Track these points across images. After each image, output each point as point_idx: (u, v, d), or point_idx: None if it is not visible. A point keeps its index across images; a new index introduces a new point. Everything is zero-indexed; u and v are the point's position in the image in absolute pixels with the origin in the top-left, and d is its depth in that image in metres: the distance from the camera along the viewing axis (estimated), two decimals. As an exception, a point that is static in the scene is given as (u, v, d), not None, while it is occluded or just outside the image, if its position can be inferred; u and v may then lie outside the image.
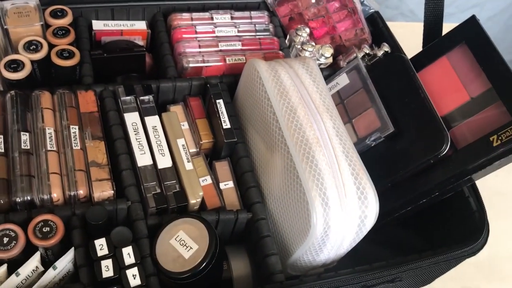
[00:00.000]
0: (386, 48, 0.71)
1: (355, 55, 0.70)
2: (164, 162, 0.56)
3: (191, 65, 0.65)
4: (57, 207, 0.51)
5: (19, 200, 0.50)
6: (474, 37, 0.61)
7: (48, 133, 0.54)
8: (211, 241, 0.49)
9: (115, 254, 0.48)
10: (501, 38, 1.46)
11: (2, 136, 0.53)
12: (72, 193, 0.52)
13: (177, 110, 0.62)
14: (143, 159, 0.55)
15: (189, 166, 0.56)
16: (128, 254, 0.48)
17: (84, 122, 0.56)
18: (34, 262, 0.48)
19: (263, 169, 0.58)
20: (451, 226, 0.65)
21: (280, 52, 0.68)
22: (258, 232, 0.55)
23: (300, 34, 0.69)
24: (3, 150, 0.52)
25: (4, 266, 0.48)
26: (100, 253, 0.48)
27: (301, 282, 0.52)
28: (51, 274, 0.48)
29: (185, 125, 0.61)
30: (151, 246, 0.51)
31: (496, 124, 0.57)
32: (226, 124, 0.60)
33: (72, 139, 0.54)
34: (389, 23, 0.99)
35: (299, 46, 0.68)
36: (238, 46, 0.67)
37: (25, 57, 0.58)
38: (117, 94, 0.60)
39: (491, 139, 0.56)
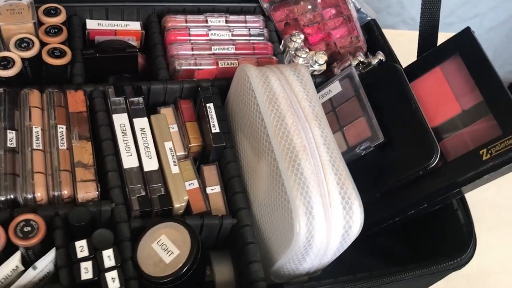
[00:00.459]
0: (381, 56, 0.70)
1: (349, 62, 0.70)
2: (151, 164, 0.56)
3: (183, 67, 0.64)
4: (40, 207, 0.51)
5: (2, 199, 0.50)
6: (468, 49, 0.61)
7: (35, 132, 0.54)
8: (193, 246, 0.49)
9: (95, 256, 0.48)
10: (503, 49, 1.46)
11: (-12, 134, 0.53)
12: (56, 193, 0.52)
13: (167, 112, 0.62)
14: (129, 161, 0.55)
15: (175, 169, 0.56)
16: (108, 256, 0.48)
17: (72, 122, 0.56)
18: (14, 261, 0.48)
19: (250, 174, 0.58)
20: (439, 238, 0.64)
21: (274, 57, 0.68)
22: (242, 239, 0.55)
23: (295, 40, 0.68)
24: (-11, 148, 0.52)
25: (-16, 265, 0.48)
26: (80, 254, 0.47)
27: (283, 291, 0.52)
28: (30, 274, 0.48)
29: (174, 128, 0.61)
30: (132, 249, 0.51)
31: (487, 138, 0.56)
32: (215, 128, 0.60)
33: (59, 138, 0.54)
34: (388, 31, 0.98)
35: (293, 52, 0.68)
36: (231, 50, 0.67)
37: (16, 55, 0.58)
38: (107, 95, 0.59)
39: (480, 152, 0.56)
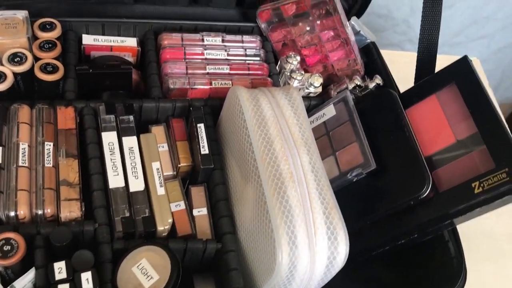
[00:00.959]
0: (378, 80, 0.69)
1: (346, 85, 0.69)
2: (137, 185, 0.55)
3: (176, 86, 0.64)
4: (22, 225, 0.50)
5: (-16, 216, 0.50)
6: (464, 79, 0.60)
7: (22, 149, 0.54)
8: (172, 272, 0.49)
9: (73, 278, 0.47)
10: (511, 70, 1.44)
11: (-24, 149, 0.53)
12: (39, 212, 0.51)
13: (158, 130, 0.62)
14: (115, 181, 0.55)
15: (161, 191, 0.55)
16: (86, 279, 0.47)
17: (60, 139, 0.56)
18: (-8, 280, 0.48)
19: (238, 198, 0.57)
20: (428, 268, 0.63)
21: (269, 78, 0.67)
22: (226, 264, 0.54)
23: (290, 61, 0.68)
24: (-26, 163, 0.52)
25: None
26: (58, 276, 0.47)
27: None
28: (8, 294, 0.47)
29: (164, 147, 0.61)
30: (113, 272, 0.50)
31: (479, 170, 0.55)
32: (205, 149, 0.59)
33: (45, 156, 0.54)
34: (391, 52, 0.98)
35: (288, 74, 0.67)
36: (226, 70, 0.66)
37: (8, 69, 0.58)
38: (97, 112, 0.59)
39: (473, 185, 0.55)
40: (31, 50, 0.61)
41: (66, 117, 0.58)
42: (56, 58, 0.61)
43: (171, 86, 0.64)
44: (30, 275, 0.49)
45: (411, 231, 0.59)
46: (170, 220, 0.54)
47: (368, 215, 0.60)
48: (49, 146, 0.55)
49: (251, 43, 0.70)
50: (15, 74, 0.59)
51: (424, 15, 0.66)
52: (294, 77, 0.67)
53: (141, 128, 0.61)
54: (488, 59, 1.38)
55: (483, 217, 0.57)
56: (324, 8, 0.67)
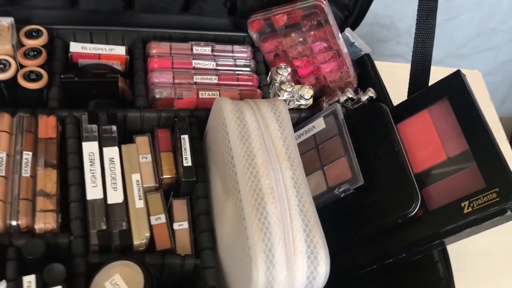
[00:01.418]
0: (371, 93, 0.68)
1: (337, 98, 0.68)
2: (115, 197, 0.54)
3: (163, 96, 0.63)
4: (-6, 236, 0.50)
5: (-43, 226, 0.49)
6: (457, 94, 0.58)
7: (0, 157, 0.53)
8: (145, 289, 0.47)
9: (42, 293, 0.46)
10: (518, 83, 1.41)
11: (-48, 157, 0.52)
12: (13, 223, 0.50)
13: (142, 141, 0.60)
14: (93, 192, 0.54)
15: (139, 204, 0.54)
16: (56, 294, 0.46)
17: (39, 149, 0.55)
18: (-39, 292, 0.47)
19: (219, 213, 0.56)
20: (418, 289, 0.61)
21: (258, 90, 0.66)
22: (204, 281, 0.53)
23: (281, 73, 0.66)
24: (-50, 172, 0.51)
25: None
26: (27, 291, 0.46)
27: None
28: (-23, 307, 0.46)
29: (147, 158, 0.59)
30: (85, 286, 0.49)
31: (470, 189, 0.53)
32: (187, 161, 0.58)
33: (23, 165, 0.53)
34: (389, 64, 0.96)
35: (278, 85, 0.66)
36: (214, 80, 0.65)
37: (-9, 76, 0.58)
38: (80, 122, 0.58)
39: (462, 205, 0.53)
40: (15, 58, 0.60)
41: (47, 125, 0.57)
42: (41, 66, 0.61)
43: (157, 96, 0.63)
44: (1, 287, 0.48)
45: (399, 250, 0.57)
46: (148, 234, 0.52)
47: (355, 232, 0.59)
48: (27, 156, 0.54)
49: (241, 53, 0.69)
50: (-2, 82, 0.58)
51: (418, 27, 0.64)
52: (284, 88, 0.65)
53: (126, 138, 0.60)
54: (495, 71, 1.36)
55: (478, 235, 0.55)
56: (315, 19, 0.65)
